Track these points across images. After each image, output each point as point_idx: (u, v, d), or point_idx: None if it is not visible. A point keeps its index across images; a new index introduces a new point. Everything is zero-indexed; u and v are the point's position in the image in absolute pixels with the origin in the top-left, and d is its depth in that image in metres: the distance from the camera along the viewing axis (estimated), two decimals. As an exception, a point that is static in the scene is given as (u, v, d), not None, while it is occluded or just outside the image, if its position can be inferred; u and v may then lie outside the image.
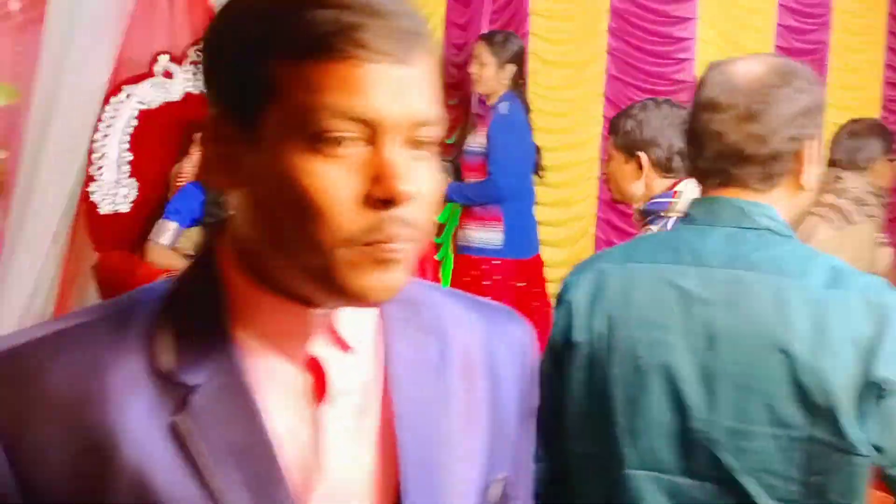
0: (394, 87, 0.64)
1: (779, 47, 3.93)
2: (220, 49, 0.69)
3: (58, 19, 3.29)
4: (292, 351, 0.70)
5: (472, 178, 3.66)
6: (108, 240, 3.57)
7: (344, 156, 0.64)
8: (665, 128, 1.96)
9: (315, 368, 0.70)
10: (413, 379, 0.74)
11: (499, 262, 3.54)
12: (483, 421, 0.77)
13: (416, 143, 0.67)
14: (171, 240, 3.33)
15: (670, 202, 1.92)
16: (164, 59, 3.70)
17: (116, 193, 3.58)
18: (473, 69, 3.63)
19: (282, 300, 0.69)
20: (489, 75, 3.61)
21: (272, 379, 0.69)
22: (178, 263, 3.28)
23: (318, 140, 0.64)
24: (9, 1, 3.34)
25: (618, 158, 2.04)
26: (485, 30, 4.30)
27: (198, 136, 3.75)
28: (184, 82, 3.76)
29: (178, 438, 0.64)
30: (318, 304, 0.70)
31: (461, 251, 3.65)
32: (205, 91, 0.71)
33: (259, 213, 0.68)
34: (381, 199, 0.64)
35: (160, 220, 3.35)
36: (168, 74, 3.71)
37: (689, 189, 1.80)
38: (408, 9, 0.66)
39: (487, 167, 3.58)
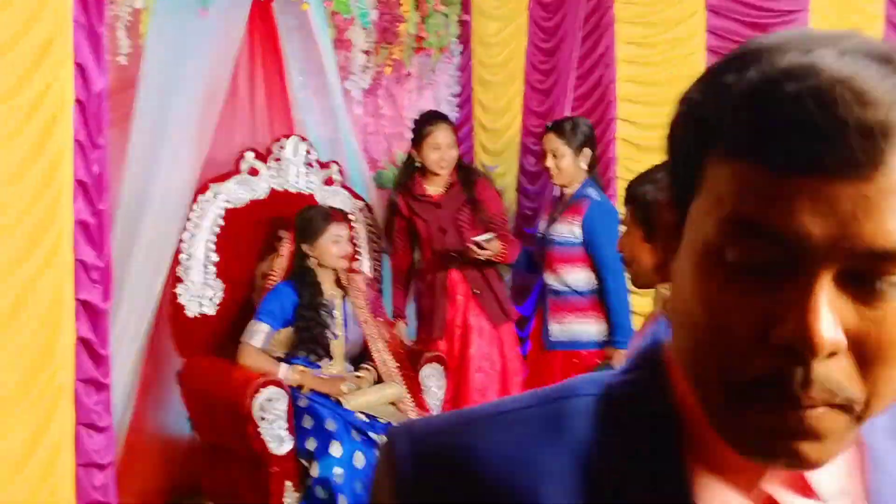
0: (839, 205, 0.48)
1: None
2: (671, 137, 0.59)
3: (144, 119, 3.28)
4: (746, 485, 0.58)
5: (563, 269, 3.53)
6: (193, 344, 3.48)
7: (752, 279, 0.51)
8: None
9: None
10: None
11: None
12: None
13: (872, 276, 0.50)
14: (264, 342, 3.23)
15: None
16: (249, 157, 3.68)
17: (202, 295, 3.51)
18: (549, 162, 3.59)
19: None
20: (566, 165, 3.55)
21: None
22: (270, 367, 3.16)
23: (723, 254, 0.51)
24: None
25: (635, 234, 1.63)
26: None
27: (283, 233, 3.73)
28: (269, 179, 3.74)
29: None
30: None
31: (565, 347, 3.49)
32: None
33: (674, 321, 0.58)
34: (782, 343, 0.49)
35: (252, 321, 3.25)
36: (254, 172, 3.69)
37: None
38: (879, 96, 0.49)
39: (593, 258, 3.47)
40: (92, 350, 2.49)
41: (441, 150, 3.63)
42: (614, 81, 4.05)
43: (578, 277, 3.51)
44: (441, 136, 3.63)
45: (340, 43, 4.32)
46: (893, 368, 0.51)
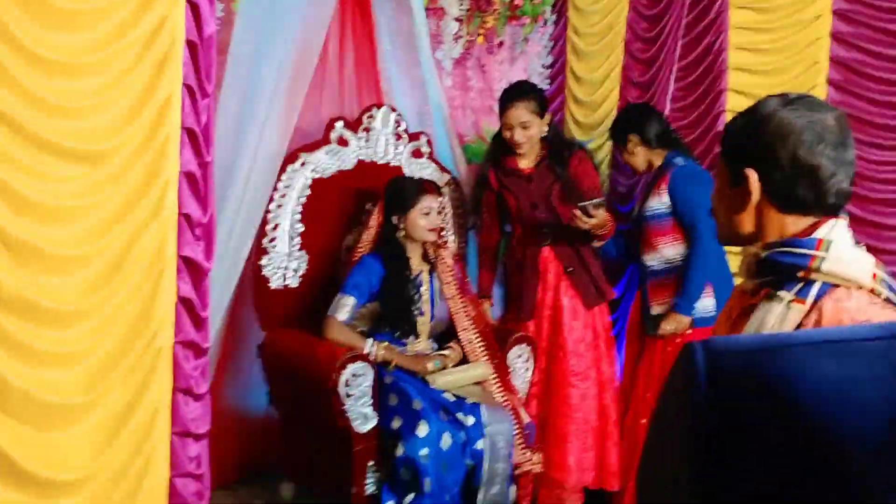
0: None
1: None
2: None
3: (234, 86, 3.23)
4: None
5: (660, 243, 3.37)
6: (275, 316, 3.44)
7: None
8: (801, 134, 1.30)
9: None
10: None
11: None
12: None
13: None
14: (349, 315, 3.16)
15: (813, 255, 1.29)
16: (339, 126, 3.61)
17: (287, 267, 3.46)
18: (624, 157, 3.61)
19: None
20: (639, 153, 3.57)
21: None
22: (356, 342, 3.09)
23: None
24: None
25: (722, 177, 1.42)
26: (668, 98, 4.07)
27: (370, 205, 3.65)
28: (357, 150, 3.65)
29: None
30: None
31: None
32: None
33: None
34: None
35: (339, 295, 3.18)
36: (343, 142, 3.61)
37: (840, 235, 1.31)
38: None
39: (680, 223, 3.32)
40: (193, 311, 2.40)
41: (512, 130, 3.49)
42: (726, 49, 3.81)
43: (678, 251, 3.36)
44: (512, 116, 3.48)
45: (433, 10, 4.21)
46: None
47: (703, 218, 3.20)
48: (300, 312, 3.48)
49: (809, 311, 1.24)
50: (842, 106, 3.30)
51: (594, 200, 3.32)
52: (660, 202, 3.40)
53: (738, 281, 1.57)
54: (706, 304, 3.30)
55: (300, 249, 3.50)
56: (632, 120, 3.62)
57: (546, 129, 3.52)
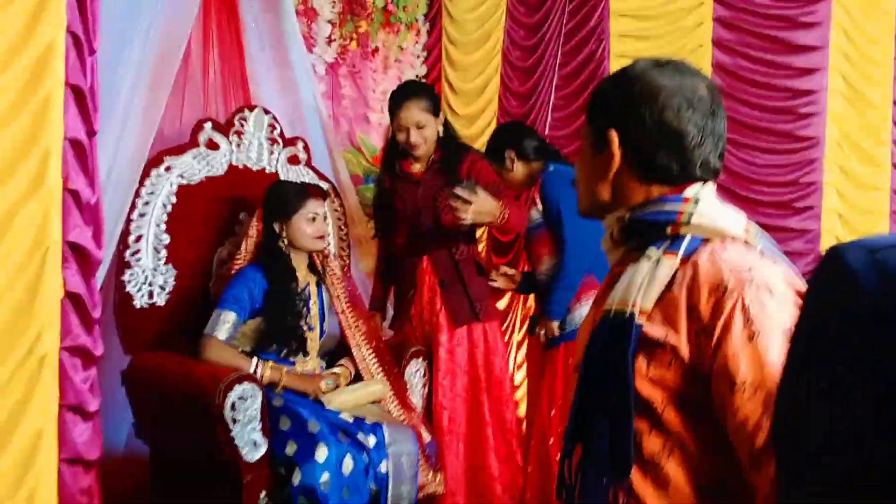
0: None
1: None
2: None
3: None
4: None
5: (546, 253, 3.26)
6: (142, 339, 3.07)
7: None
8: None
9: None
10: None
11: None
12: None
13: None
14: (230, 334, 2.85)
15: (681, 210, 1.22)
16: (208, 128, 3.31)
17: (153, 283, 3.10)
18: (504, 175, 3.45)
19: None
20: (518, 168, 3.45)
21: None
22: (240, 362, 2.79)
23: None
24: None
25: (585, 143, 1.35)
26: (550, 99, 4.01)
27: (244, 215, 3.36)
28: (228, 154, 3.36)
29: None
30: None
31: (567, 339, 3.19)
32: None
33: None
34: None
35: (217, 311, 2.87)
36: (213, 145, 3.31)
37: (708, 193, 1.24)
38: None
39: (550, 229, 3.24)
40: (82, 310, 2.01)
41: (407, 132, 3.29)
42: (608, 58, 3.80)
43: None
44: (405, 117, 3.28)
45: (305, 12, 3.99)
46: None
47: (569, 220, 3.14)
48: (168, 334, 3.12)
49: (682, 266, 1.17)
50: (727, 112, 3.33)
51: (466, 182, 3.11)
52: (536, 211, 3.31)
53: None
54: (584, 313, 3.19)
55: (166, 263, 3.16)
56: (506, 136, 3.53)
57: (441, 129, 3.36)
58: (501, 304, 4.25)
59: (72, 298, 2.01)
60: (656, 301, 1.16)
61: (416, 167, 3.39)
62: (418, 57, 4.66)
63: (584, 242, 3.12)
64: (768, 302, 1.09)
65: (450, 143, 3.40)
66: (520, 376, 4.30)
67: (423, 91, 3.38)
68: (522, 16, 4.19)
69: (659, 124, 1.21)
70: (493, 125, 4.36)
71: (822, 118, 3.47)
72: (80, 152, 2.03)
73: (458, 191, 3.03)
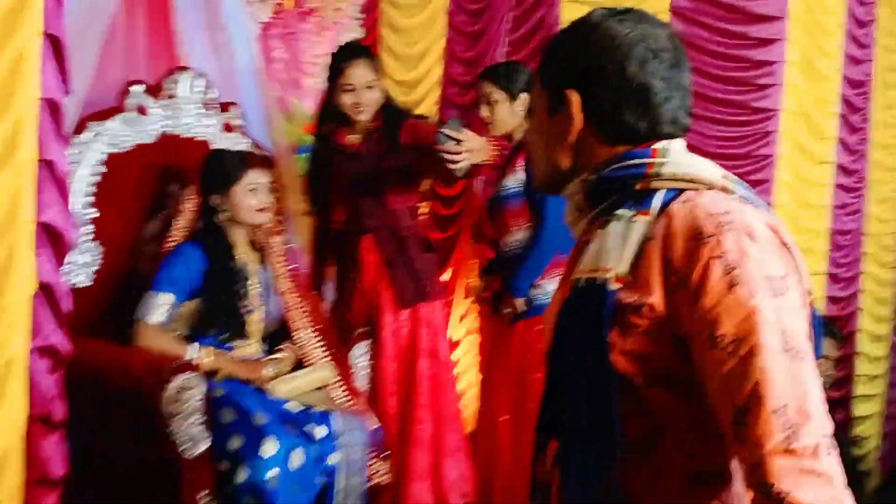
0: None
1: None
2: None
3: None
4: None
5: (517, 225, 3.13)
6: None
7: None
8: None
9: None
10: None
11: None
12: None
13: None
14: (166, 317, 2.65)
15: (650, 162, 1.12)
16: (137, 91, 3.07)
17: (76, 262, 2.87)
18: (484, 112, 3.18)
19: None
20: (502, 114, 3.16)
21: None
22: (177, 348, 2.60)
23: None
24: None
25: (539, 106, 1.24)
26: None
27: (176, 187, 3.13)
28: (160, 120, 3.13)
29: None
30: None
31: (527, 315, 3.08)
32: None
33: None
34: None
35: (150, 293, 2.67)
36: (142, 110, 3.07)
37: (677, 146, 1.15)
38: None
39: (531, 206, 3.09)
40: (54, 303, 1.77)
41: (357, 92, 3.10)
42: (558, 24, 3.67)
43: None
44: (357, 75, 3.09)
45: (237, -35, 3.73)
46: None
47: (550, 202, 3.03)
48: (94, 318, 2.90)
49: (657, 220, 1.06)
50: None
51: (450, 121, 2.91)
52: (515, 180, 3.14)
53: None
54: (550, 289, 3.09)
55: (93, 240, 2.93)
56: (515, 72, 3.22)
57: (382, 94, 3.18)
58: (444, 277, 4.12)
59: (45, 291, 1.77)
60: (631, 264, 1.05)
61: (352, 138, 3.21)
62: (356, 19, 4.45)
63: (561, 221, 3.01)
64: (749, 248, 1.00)
65: (390, 110, 3.22)
66: (457, 355, 4.19)
67: (369, 52, 3.20)
68: (469, -22, 4.02)
69: (622, 78, 1.10)
70: (436, 93, 4.19)
71: (779, 90, 3.42)
72: (57, 115, 1.78)
73: (446, 130, 2.82)
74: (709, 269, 0.99)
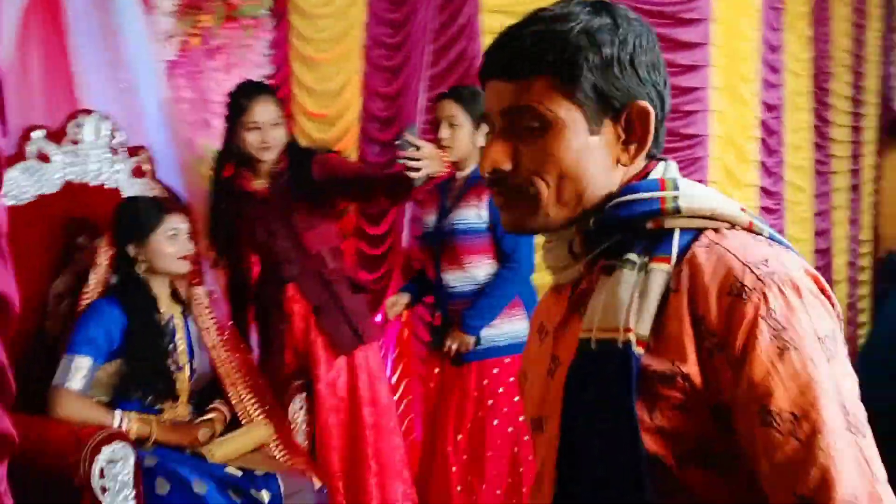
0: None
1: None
2: None
3: None
4: None
5: (471, 262, 3.00)
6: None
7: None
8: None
9: None
10: None
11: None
12: None
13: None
14: (85, 383, 2.43)
15: (662, 196, 0.98)
16: (38, 137, 2.85)
17: (-25, 326, 2.60)
18: (443, 133, 3.03)
19: None
20: (463, 138, 3.02)
21: None
22: (100, 417, 2.38)
23: None
24: None
25: (570, 127, 1.08)
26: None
27: (83, 240, 2.90)
28: (63, 168, 2.91)
29: None
30: None
31: (481, 356, 2.95)
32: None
33: None
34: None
35: (66, 357, 2.45)
36: (44, 157, 2.85)
37: (677, 173, 1.03)
38: None
39: (499, 245, 2.98)
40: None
41: (263, 131, 2.96)
42: (479, 56, 3.62)
43: (489, 272, 3.01)
44: (262, 112, 2.95)
45: (143, 1, 3.55)
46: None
47: (524, 243, 2.94)
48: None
49: (676, 270, 0.92)
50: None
51: (409, 128, 2.77)
52: (477, 215, 3.00)
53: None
54: (517, 327, 2.99)
55: (-7, 301, 2.67)
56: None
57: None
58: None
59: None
60: (653, 322, 0.91)
61: (259, 184, 3.05)
62: (265, 55, 4.31)
63: (530, 262, 2.97)
64: (796, 304, 0.88)
65: (295, 148, 3.08)
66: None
67: (271, 88, 3.10)
68: (385, 11, 3.93)
69: (653, 84, 0.97)
70: (356, 129, 4.08)
71: (706, 115, 3.46)
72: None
73: (408, 136, 2.68)
74: (755, 331, 0.87)
